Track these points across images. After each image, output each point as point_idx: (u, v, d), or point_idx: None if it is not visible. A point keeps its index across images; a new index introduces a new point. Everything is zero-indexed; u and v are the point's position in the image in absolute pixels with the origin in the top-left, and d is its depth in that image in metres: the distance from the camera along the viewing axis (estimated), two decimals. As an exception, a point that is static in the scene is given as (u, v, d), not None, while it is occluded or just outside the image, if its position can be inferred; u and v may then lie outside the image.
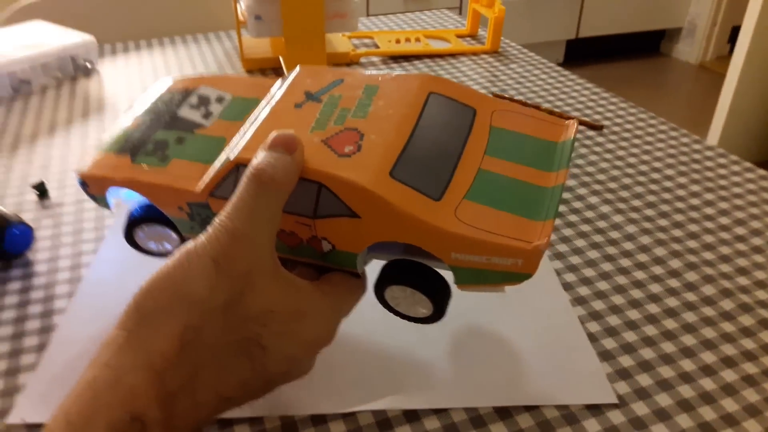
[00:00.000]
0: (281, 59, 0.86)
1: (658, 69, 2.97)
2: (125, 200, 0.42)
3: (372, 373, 0.41)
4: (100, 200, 0.41)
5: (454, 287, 0.37)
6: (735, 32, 2.89)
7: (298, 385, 0.38)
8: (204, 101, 0.44)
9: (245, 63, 0.87)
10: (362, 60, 0.89)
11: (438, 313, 0.38)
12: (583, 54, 2.92)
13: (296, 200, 0.34)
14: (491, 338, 0.44)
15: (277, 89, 0.41)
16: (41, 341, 0.43)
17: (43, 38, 0.86)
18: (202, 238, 0.31)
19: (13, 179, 0.62)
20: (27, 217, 0.56)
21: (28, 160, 0.66)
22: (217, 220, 0.31)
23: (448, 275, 0.37)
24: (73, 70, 0.86)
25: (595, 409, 0.39)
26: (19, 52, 0.81)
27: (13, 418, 0.37)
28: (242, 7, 0.82)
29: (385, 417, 0.38)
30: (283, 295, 0.32)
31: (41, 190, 0.59)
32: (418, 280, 0.37)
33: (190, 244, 0.30)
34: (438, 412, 0.39)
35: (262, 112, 0.39)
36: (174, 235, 0.42)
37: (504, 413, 0.38)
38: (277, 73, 0.86)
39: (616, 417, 0.38)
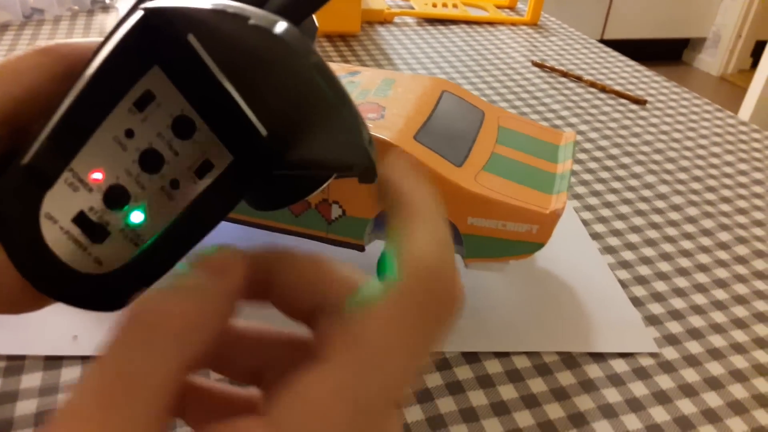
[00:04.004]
0: (313, 11, 0.83)
1: (679, 78, 2.94)
2: None
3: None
4: None
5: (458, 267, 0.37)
6: (758, 47, 2.86)
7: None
8: None
9: (275, 12, 0.84)
10: (396, 20, 0.86)
11: None
12: (604, 57, 2.88)
13: None
14: (525, 285, 0.41)
15: None
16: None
17: (68, -32, 0.83)
18: None
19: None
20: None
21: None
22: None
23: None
24: (90, 4, 0.83)
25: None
26: (37, -21, 0.78)
27: None
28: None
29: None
30: None
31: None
32: None
33: None
34: (466, 354, 0.36)
35: None
36: None
37: (533, 353, 0.37)
38: (308, 25, 0.83)
39: (645, 360, 0.37)
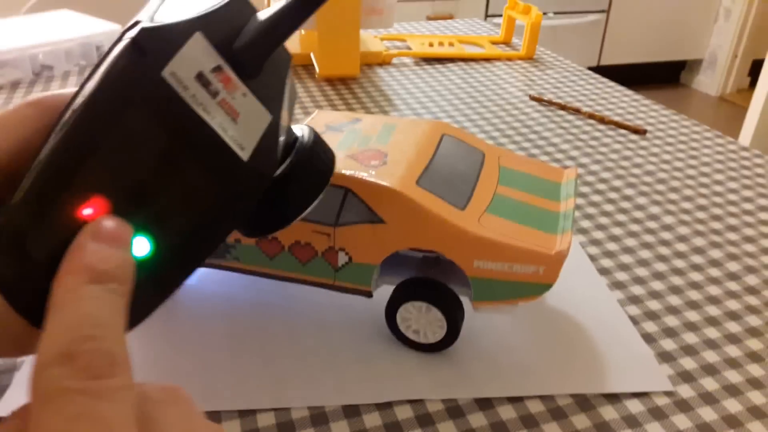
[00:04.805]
0: (312, 56, 0.84)
1: (678, 100, 2.95)
2: None
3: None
4: None
5: (468, 309, 0.38)
6: (755, 65, 2.88)
7: (363, 375, 0.35)
8: None
9: (275, 59, 0.85)
10: (394, 61, 0.87)
11: (452, 333, 0.37)
12: (602, 82, 2.91)
13: (318, 207, 0.34)
14: (535, 325, 0.41)
15: None
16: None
17: (68, 26, 0.85)
18: None
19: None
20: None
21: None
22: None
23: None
24: (97, 59, 0.84)
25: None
26: (41, 37, 0.80)
27: (1, 411, 0.35)
28: None
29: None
30: None
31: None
32: (434, 295, 0.37)
33: None
34: (479, 401, 0.35)
35: None
36: None
37: (546, 396, 0.36)
38: (307, 70, 0.84)
39: (660, 399, 0.36)
